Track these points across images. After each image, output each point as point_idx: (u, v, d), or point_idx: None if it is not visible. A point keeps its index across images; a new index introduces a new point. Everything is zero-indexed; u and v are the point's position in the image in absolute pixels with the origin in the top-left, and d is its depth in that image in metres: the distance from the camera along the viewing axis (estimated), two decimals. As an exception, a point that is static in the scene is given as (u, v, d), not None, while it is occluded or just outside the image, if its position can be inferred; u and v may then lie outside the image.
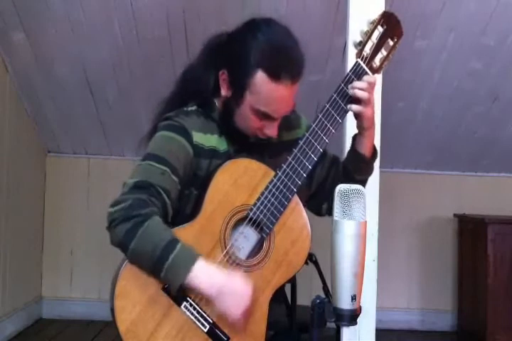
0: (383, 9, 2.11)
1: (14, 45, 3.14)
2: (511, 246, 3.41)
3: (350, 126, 2.01)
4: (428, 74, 3.24)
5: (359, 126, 1.48)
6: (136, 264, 1.33)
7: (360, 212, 1.14)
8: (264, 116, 1.42)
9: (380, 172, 2.04)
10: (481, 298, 3.43)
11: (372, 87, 1.43)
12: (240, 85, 1.41)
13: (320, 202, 1.60)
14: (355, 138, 1.53)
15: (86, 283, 3.78)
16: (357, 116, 1.45)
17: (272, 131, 1.45)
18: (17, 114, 3.45)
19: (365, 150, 1.51)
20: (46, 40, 3.10)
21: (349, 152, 1.55)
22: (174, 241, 1.30)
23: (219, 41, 1.49)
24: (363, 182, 1.56)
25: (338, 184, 1.51)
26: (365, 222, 1.14)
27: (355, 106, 1.42)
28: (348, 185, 1.15)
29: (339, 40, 2.84)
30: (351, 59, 2.10)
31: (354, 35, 2.11)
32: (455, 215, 3.83)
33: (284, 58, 1.40)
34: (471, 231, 3.65)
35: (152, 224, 1.30)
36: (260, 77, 1.38)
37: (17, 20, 2.99)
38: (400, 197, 3.79)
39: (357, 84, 1.41)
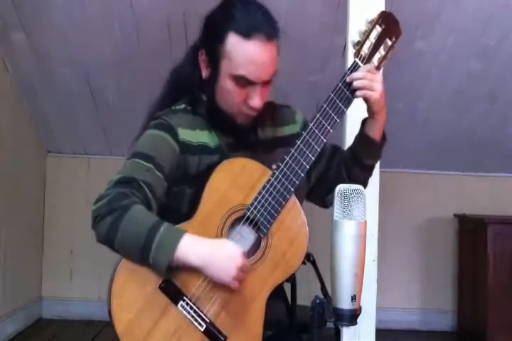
0: (383, 9, 2.12)
1: (14, 45, 3.14)
2: (511, 246, 3.41)
3: (350, 125, 2.02)
4: (428, 74, 3.24)
5: (368, 110, 1.47)
6: (125, 256, 1.33)
7: (360, 212, 1.14)
8: (244, 82, 1.39)
9: (380, 172, 2.04)
10: (481, 298, 3.43)
11: (373, 73, 1.43)
12: (215, 56, 1.41)
13: (323, 194, 1.58)
14: (364, 122, 1.52)
15: (86, 283, 3.78)
16: (365, 100, 1.45)
17: (255, 101, 1.41)
18: (17, 114, 3.45)
19: (374, 134, 1.50)
20: (46, 40, 3.10)
21: (357, 136, 1.53)
22: (157, 224, 1.30)
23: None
24: (371, 169, 1.56)
25: (342, 172, 1.53)
26: (365, 222, 1.14)
27: (359, 92, 1.43)
28: (348, 185, 1.15)
29: (339, 40, 2.84)
30: (351, 59, 2.11)
31: (354, 35, 2.11)
32: (455, 215, 3.83)
33: (255, 17, 1.40)
34: (471, 231, 3.65)
35: (134, 213, 1.30)
36: (232, 38, 1.38)
37: (17, 20, 2.99)
38: (400, 197, 3.79)
39: (354, 74, 1.42)
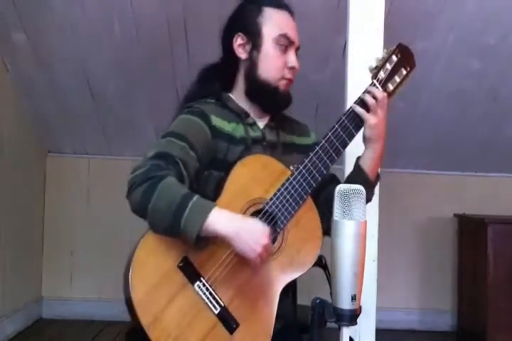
0: (383, 9, 2.12)
1: (14, 45, 3.14)
2: (511, 246, 3.41)
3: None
4: (428, 74, 3.24)
5: (363, 137, 1.55)
6: (155, 224, 1.35)
7: (360, 212, 1.14)
8: (285, 43, 1.56)
9: (380, 172, 2.04)
10: (481, 297, 3.43)
11: (385, 101, 1.53)
12: (256, 27, 1.57)
13: None
14: (359, 157, 1.59)
15: (86, 283, 3.78)
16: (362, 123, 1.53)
17: (293, 61, 1.58)
18: (17, 114, 3.45)
19: (367, 166, 1.56)
20: (46, 40, 3.10)
21: (351, 171, 1.60)
22: (191, 193, 1.35)
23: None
24: None
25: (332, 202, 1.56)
26: (365, 221, 1.14)
27: (359, 109, 1.52)
28: (348, 185, 1.16)
29: (339, 40, 2.84)
30: (351, 59, 2.11)
31: (354, 34, 2.12)
32: (455, 215, 3.83)
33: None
34: (471, 231, 3.65)
35: (168, 182, 1.35)
36: (267, 10, 1.59)
37: (17, 20, 2.99)
38: (400, 197, 3.78)
39: (375, 90, 1.54)
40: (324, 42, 3.02)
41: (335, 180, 1.66)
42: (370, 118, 1.51)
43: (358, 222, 1.13)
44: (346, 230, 1.13)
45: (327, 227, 1.54)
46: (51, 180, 3.84)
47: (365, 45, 2.07)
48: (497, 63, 3.19)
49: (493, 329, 3.34)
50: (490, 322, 3.34)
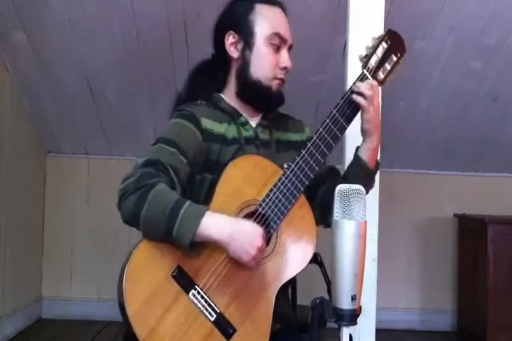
0: (383, 9, 2.12)
1: (14, 45, 3.14)
2: (511, 246, 3.41)
3: (350, 134, 2.01)
4: (428, 74, 3.24)
5: (361, 128, 1.53)
6: (149, 233, 1.34)
7: (360, 212, 1.13)
8: (277, 42, 1.55)
9: (380, 172, 2.04)
10: (481, 297, 3.43)
11: (376, 89, 1.50)
12: (247, 26, 1.55)
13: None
14: (358, 147, 1.58)
15: (86, 283, 3.78)
16: (360, 112, 1.51)
17: (286, 60, 1.56)
18: (17, 114, 3.45)
19: (366, 157, 1.55)
20: (46, 40, 3.10)
21: (351, 161, 1.59)
22: (183, 199, 1.34)
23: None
24: None
25: (329, 196, 1.54)
26: (365, 221, 1.14)
27: (357, 97, 1.48)
28: (348, 185, 1.15)
29: (339, 40, 2.84)
30: (351, 59, 2.11)
31: (354, 34, 2.12)
32: (455, 215, 3.83)
33: None
34: (471, 231, 3.66)
35: (159, 189, 1.34)
36: (259, 7, 1.57)
37: (17, 20, 2.99)
38: (400, 197, 3.79)
39: (361, 84, 1.50)
40: (324, 43, 3.03)
41: (334, 172, 1.64)
42: (370, 108, 1.49)
43: (358, 222, 1.13)
44: (346, 230, 1.12)
45: (320, 216, 1.54)
46: (51, 180, 3.84)
47: (365, 45, 2.07)
48: (497, 63, 3.19)
49: (493, 329, 3.34)
50: (490, 322, 3.35)
